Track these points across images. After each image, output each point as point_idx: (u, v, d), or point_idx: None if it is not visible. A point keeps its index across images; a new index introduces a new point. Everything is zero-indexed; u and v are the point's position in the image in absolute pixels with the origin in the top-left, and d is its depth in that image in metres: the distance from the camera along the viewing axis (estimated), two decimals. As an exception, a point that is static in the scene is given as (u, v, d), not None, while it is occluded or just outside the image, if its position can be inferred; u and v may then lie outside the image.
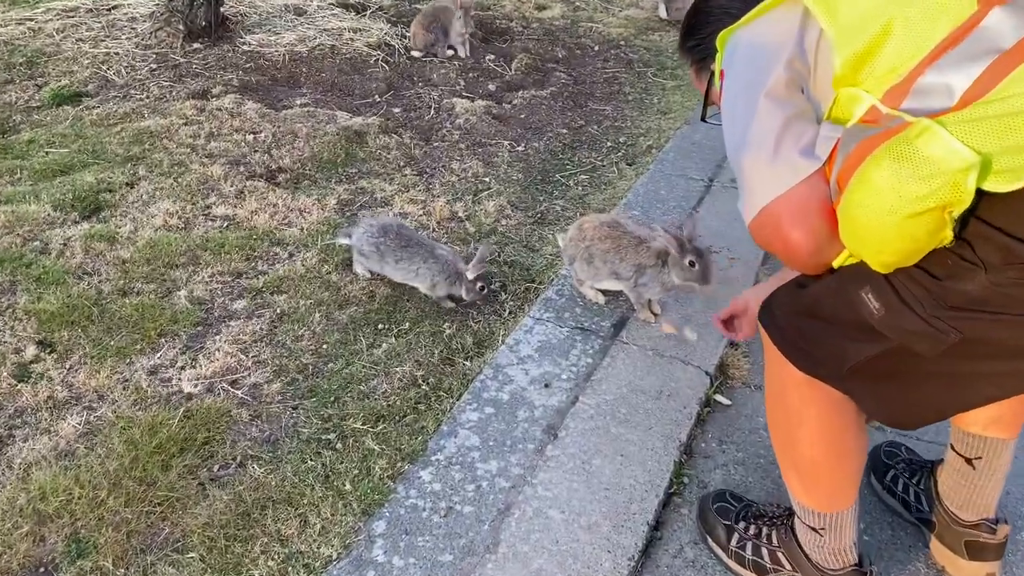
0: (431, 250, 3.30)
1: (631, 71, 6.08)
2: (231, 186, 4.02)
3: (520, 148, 4.76)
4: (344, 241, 3.46)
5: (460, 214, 3.99)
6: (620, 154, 4.78)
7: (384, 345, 3.11)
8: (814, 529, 2.12)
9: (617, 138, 4.97)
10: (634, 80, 5.91)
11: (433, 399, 2.86)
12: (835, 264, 1.72)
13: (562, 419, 2.75)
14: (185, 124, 4.57)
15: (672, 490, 2.59)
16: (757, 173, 1.66)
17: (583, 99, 5.52)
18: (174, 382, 2.88)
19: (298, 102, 4.99)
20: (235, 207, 3.86)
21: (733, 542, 2.35)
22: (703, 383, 2.98)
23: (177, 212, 3.78)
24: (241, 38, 5.85)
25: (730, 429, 2.87)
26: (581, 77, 5.89)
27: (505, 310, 3.39)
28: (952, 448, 2.27)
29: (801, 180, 1.62)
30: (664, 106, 5.45)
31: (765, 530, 2.31)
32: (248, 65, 5.48)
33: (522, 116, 5.16)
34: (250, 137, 4.46)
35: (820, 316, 1.80)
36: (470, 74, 5.73)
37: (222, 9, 5.96)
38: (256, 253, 3.58)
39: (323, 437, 2.68)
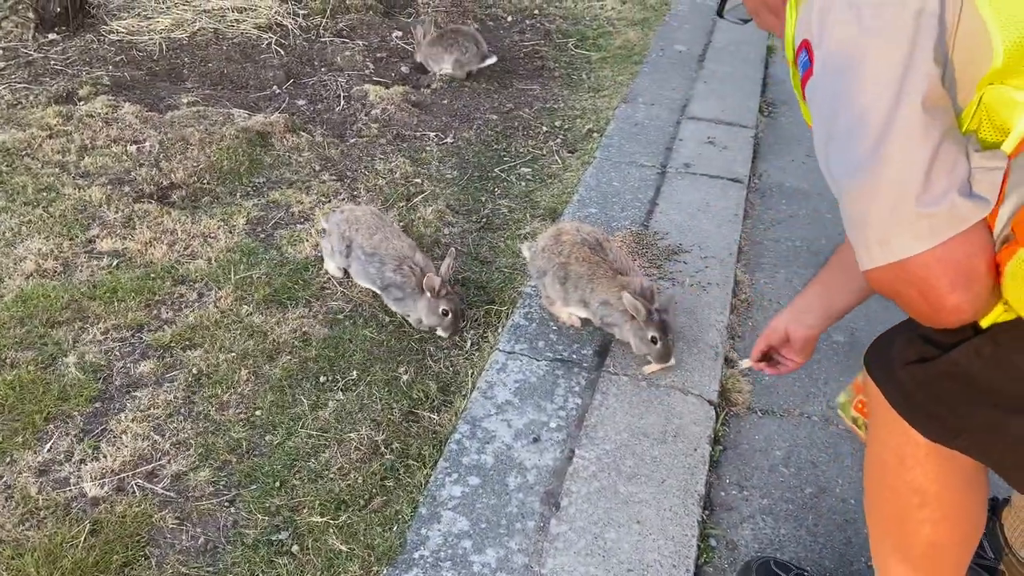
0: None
1: (551, 43, 5.61)
2: (116, 212, 3.35)
3: (449, 140, 4.24)
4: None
5: (394, 225, 3.45)
6: (559, 140, 4.32)
7: (331, 404, 2.59)
8: None
9: (552, 122, 4.51)
10: (556, 54, 5.44)
11: (402, 471, 2.37)
12: (984, 323, 1.32)
13: (561, 482, 2.32)
14: (49, 136, 3.82)
15: (701, 559, 2.20)
16: (895, 213, 1.22)
17: (507, 78, 5.02)
18: (73, 483, 2.28)
19: (184, 100, 4.28)
20: (124, 239, 3.21)
21: None
22: (708, 416, 2.60)
23: (52, 252, 3.09)
24: (106, 25, 5.04)
25: (747, 469, 2.51)
26: (500, 53, 5.35)
27: (466, 341, 2.91)
28: None
29: (964, 230, 1.20)
30: (595, 82, 5.01)
31: None
32: (119, 58, 4.70)
33: (445, 102, 4.62)
34: (132, 148, 3.76)
35: (970, 385, 1.41)
36: (378, 54, 5.13)
37: (79, -9, 5.13)
38: (157, 297, 2.95)
39: (274, 539, 2.16)
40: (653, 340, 2.59)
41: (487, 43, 4.89)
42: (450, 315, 2.82)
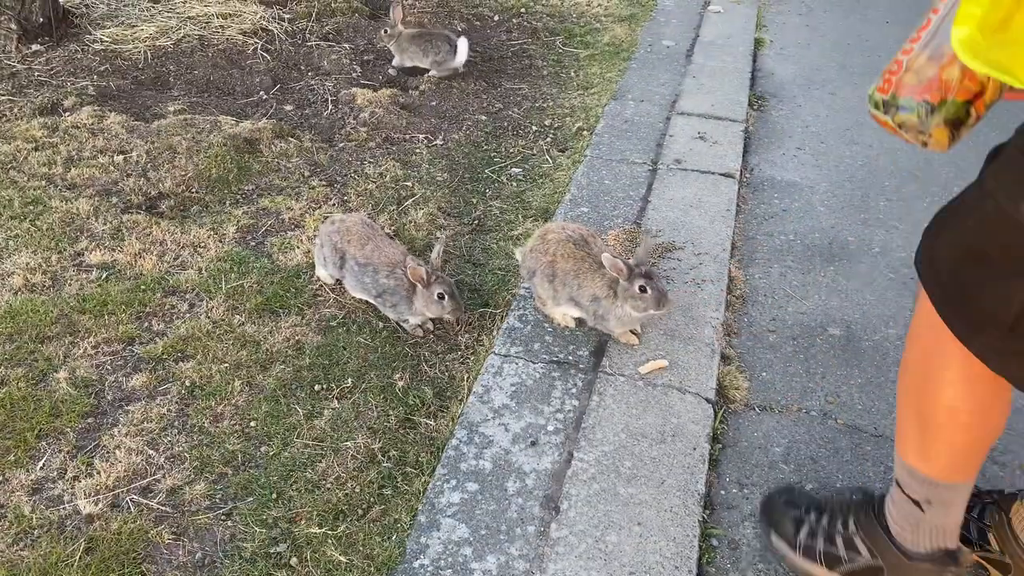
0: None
1: (538, 41, 5.58)
2: (104, 224, 3.31)
3: (439, 142, 4.21)
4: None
5: (386, 230, 3.43)
6: (549, 139, 4.30)
7: (326, 412, 2.56)
8: (917, 503, 1.88)
9: (542, 121, 4.49)
10: (544, 52, 5.42)
11: (400, 479, 2.35)
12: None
13: (560, 486, 2.30)
14: (35, 149, 3.78)
15: (703, 559, 2.19)
16: None
17: (495, 77, 5.00)
18: (67, 500, 2.25)
19: (171, 108, 4.25)
20: (113, 251, 3.18)
21: (802, 534, 2.08)
22: (706, 414, 2.58)
23: (40, 266, 3.06)
24: (90, 34, 5.00)
25: (747, 467, 2.49)
26: (487, 52, 5.35)
27: (460, 344, 2.89)
28: None
29: None
30: (583, 80, 4.99)
31: (840, 516, 2.06)
32: (103, 67, 4.66)
33: (433, 103, 4.59)
34: (119, 158, 3.73)
35: (985, 256, 1.46)
36: (365, 57, 5.10)
37: (62, 1, 5.08)
38: (148, 309, 2.93)
39: (272, 551, 2.14)
40: (643, 289, 2.56)
41: (469, 41, 4.86)
42: (447, 296, 2.79)
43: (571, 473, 2.34)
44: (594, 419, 2.53)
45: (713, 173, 3.91)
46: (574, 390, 2.63)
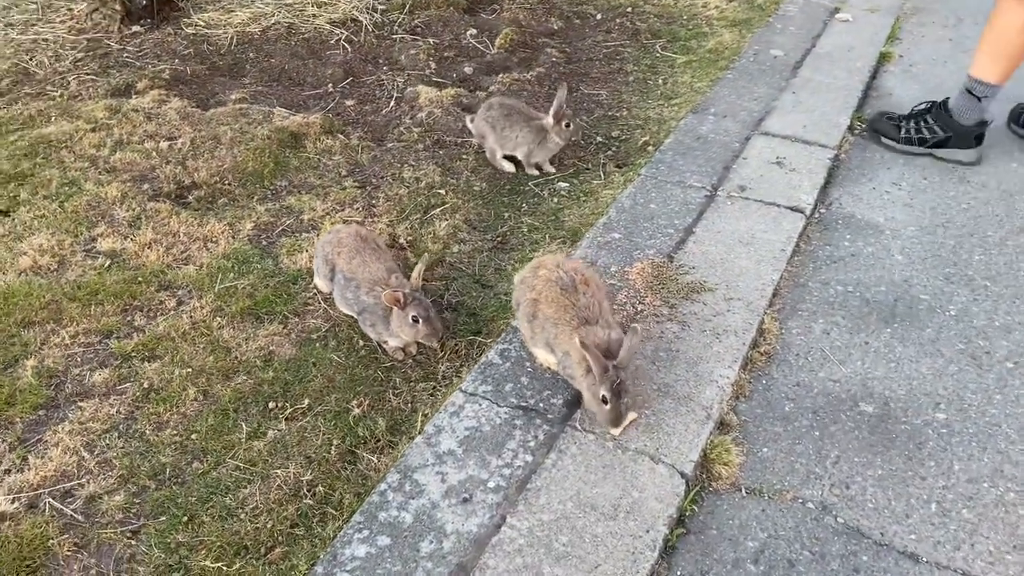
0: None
1: (636, 43, 5.23)
2: (126, 211, 3.34)
3: (489, 148, 4.00)
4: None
5: (401, 240, 3.27)
6: (610, 153, 3.99)
7: (270, 433, 2.44)
8: (977, 97, 3.69)
9: (609, 132, 4.18)
10: (639, 55, 5.07)
11: (315, 519, 2.19)
12: None
13: (480, 554, 2.06)
14: (92, 130, 3.89)
15: (618, 668, 1.89)
16: None
17: (575, 81, 4.71)
18: (-10, 494, 2.25)
19: (233, 97, 4.27)
20: (125, 238, 3.19)
21: (902, 132, 3.90)
22: (676, 491, 2.25)
23: (52, 248, 3.12)
24: (188, 18, 5.14)
25: (707, 561, 2.15)
26: (576, 54, 5.07)
27: (438, 373, 2.69)
28: None
29: None
30: (670, 89, 4.61)
31: (921, 119, 3.84)
32: (187, 52, 4.77)
33: (498, 106, 4.38)
34: (164, 145, 3.77)
35: None
36: (445, 54, 4.95)
37: (171, -17, 5.26)
38: (136, 302, 2.91)
39: (161, 580, 2.03)
40: (603, 400, 2.26)
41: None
42: (422, 320, 2.60)
43: (496, 541, 2.09)
44: (544, 480, 2.25)
45: (778, 205, 3.47)
46: (532, 443, 2.37)
